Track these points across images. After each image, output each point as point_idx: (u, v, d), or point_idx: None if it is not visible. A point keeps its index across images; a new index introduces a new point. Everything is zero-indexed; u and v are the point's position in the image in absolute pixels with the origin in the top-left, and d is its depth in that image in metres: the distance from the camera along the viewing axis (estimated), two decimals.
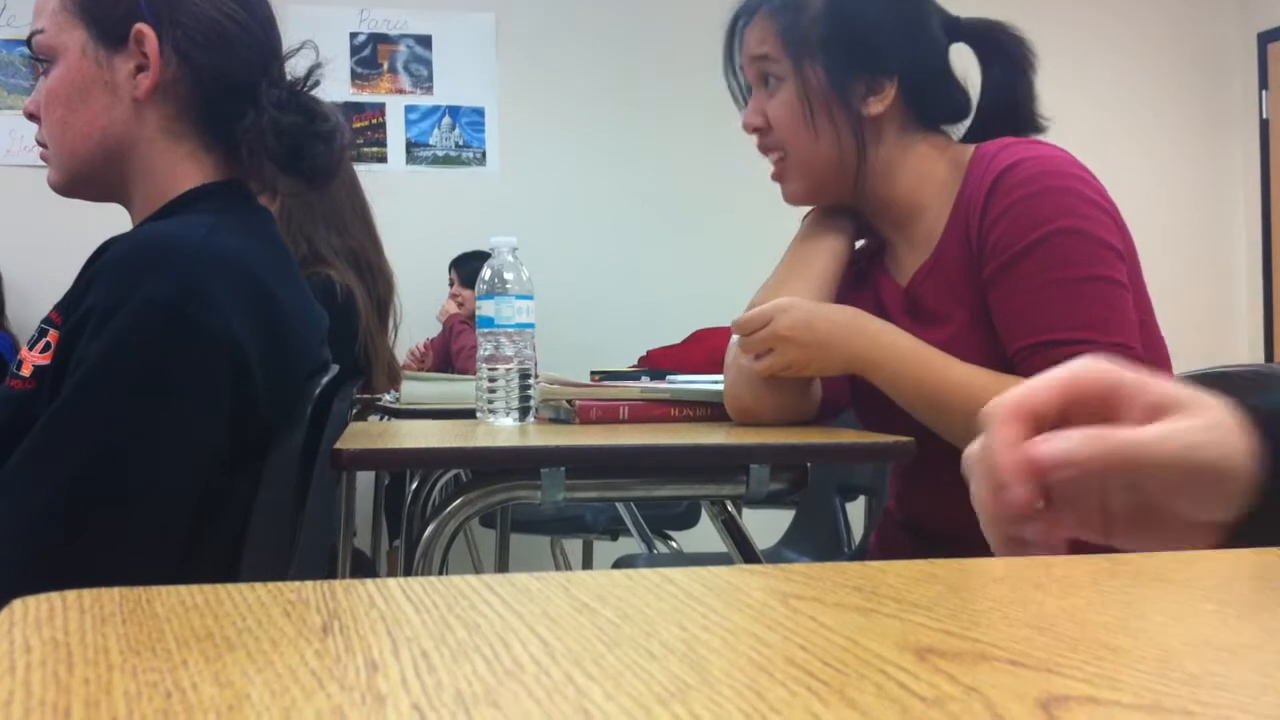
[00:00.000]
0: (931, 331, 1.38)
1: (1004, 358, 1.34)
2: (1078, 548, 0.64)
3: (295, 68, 1.34)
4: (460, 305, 4.26)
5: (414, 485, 3.15)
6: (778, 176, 1.51)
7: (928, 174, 1.47)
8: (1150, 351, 1.33)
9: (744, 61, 1.51)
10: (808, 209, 1.61)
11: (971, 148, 1.46)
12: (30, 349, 1.17)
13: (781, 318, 1.40)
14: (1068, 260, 1.29)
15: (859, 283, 1.55)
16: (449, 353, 4.20)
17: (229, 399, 1.15)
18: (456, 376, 3.19)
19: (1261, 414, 0.66)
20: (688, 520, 3.48)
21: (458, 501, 1.30)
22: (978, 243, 1.35)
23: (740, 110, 1.56)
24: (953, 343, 1.35)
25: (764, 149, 1.51)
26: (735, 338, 1.51)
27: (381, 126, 4.74)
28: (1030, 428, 0.62)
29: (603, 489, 1.37)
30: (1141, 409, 0.65)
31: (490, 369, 1.62)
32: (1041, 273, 1.28)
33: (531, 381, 1.63)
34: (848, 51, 1.44)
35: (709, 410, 1.61)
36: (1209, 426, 0.64)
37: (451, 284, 4.40)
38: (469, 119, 4.79)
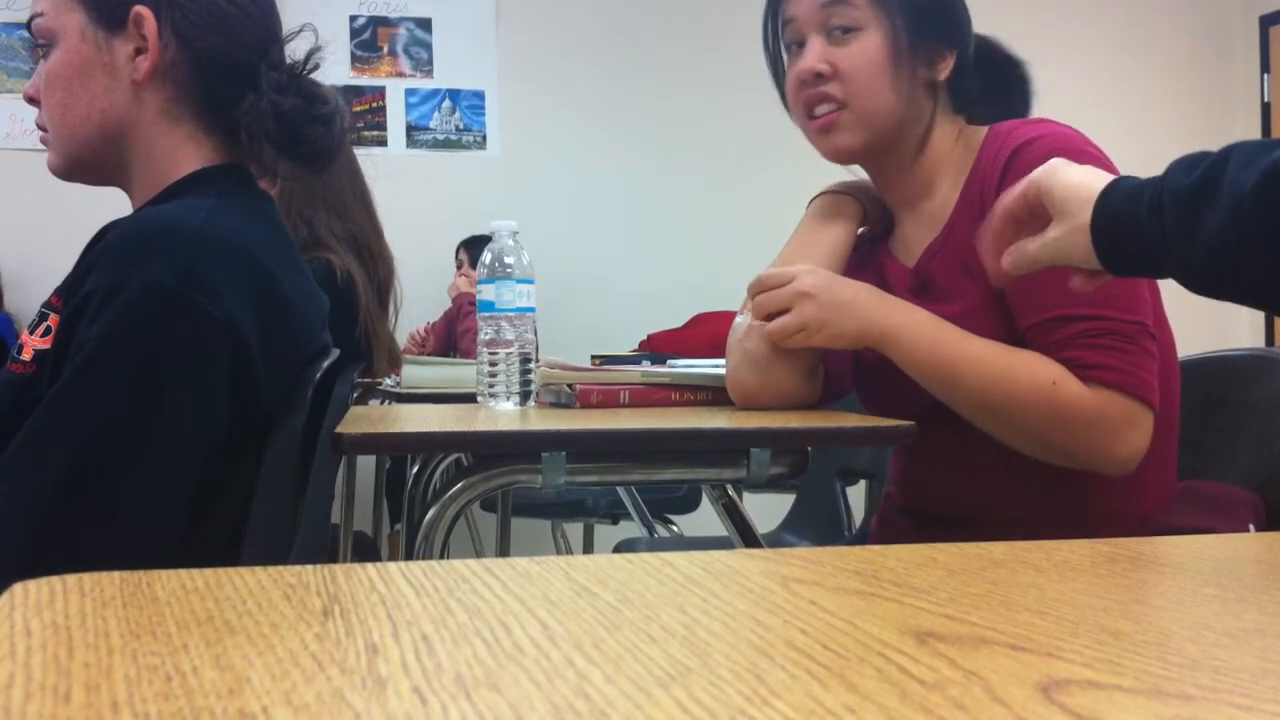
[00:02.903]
0: (941, 307, 1.38)
1: (1014, 333, 1.34)
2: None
3: (295, 51, 1.34)
4: (472, 284, 4.25)
5: (415, 469, 3.15)
6: (827, 127, 1.46)
7: (947, 152, 1.48)
8: (1159, 331, 1.34)
9: (806, 9, 1.46)
10: (803, 195, 1.61)
11: (984, 129, 1.47)
12: (31, 333, 1.16)
13: (805, 275, 1.41)
14: None
15: (862, 267, 1.55)
16: (452, 334, 4.20)
17: (229, 382, 1.15)
18: (458, 361, 3.19)
19: (1096, 222, 1.00)
20: (688, 504, 3.48)
21: (459, 485, 1.30)
22: None
23: (769, 59, 1.53)
24: (963, 318, 1.35)
25: (818, 99, 1.46)
26: (739, 319, 1.51)
27: (381, 110, 4.73)
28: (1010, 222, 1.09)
29: (603, 473, 1.37)
30: (1050, 209, 1.05)
31: (491, 353, 1.62)
32: None
33: (532, 366, 1.63)
34: (927, 13, 1.45)
35: (709, 394, 1.61)
36: (1067, 232, 1.02)
37: (460, 265, 4.39)
38: (469, 102, 4.78)
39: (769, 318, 1.43)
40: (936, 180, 1.48)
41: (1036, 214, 1.07)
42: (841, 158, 1.50)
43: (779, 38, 1.53)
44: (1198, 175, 0.93)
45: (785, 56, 1.52)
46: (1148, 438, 1.29)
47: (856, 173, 1.58)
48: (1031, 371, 1.29)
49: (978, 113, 1.52)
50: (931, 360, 1.34)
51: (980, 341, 1.33)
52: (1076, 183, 1.03)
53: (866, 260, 1.56)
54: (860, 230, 1.57)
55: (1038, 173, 1.06)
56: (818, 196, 1.59)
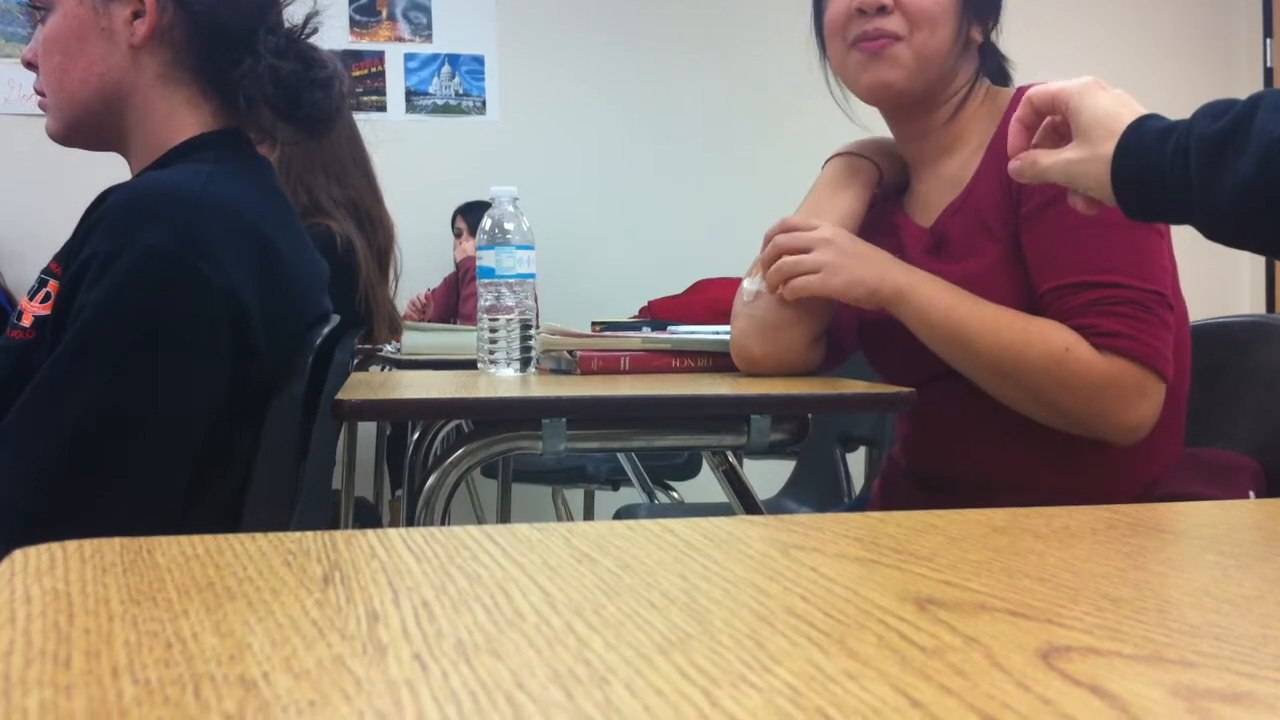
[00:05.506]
0: (957, 266, 1.38)
1: (1029, 296, 1.34)
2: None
3: (293, 15, 1.33)
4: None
5: (415, 436, 3.15)
6: (876, 52, 1.42)
7: (973, 112, 1.48)
8: (1175, 303, 1.33)
9: None
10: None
11: (1010, 91, 1.48)
12: (30, 299, 1.16)
13: (827, 225, 1.42)
14: None
15: (875, 229, 1.54)
16: (452, 300, 4.19)
17: (228, 348, 1.15)
18: (458, 327, 3.18)
19: (1118, 160, 0.98)
20: (689, 471, 3.49)
21: (459, 452, 1.30)
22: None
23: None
24: (979, 277, 1.35)
25: (873, 32, 1.42)
26: (745, 284, 1.50)
27: (380, 75, 4.70)
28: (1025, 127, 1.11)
29: (604, 439, 1.37)
30: (1072, 128, 1.04)
31: (491, 319, 1.61)
32: (1078, 214, 1.25)
33: (532, 332, 1.63)
34: None
35: (710, 361, 1.61)
36: (1084, 159, 1.01)
37: (460, 234, 4.37)
38: (468, 67, 4.76)
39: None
40: (962, 138, 1.47)
41: (1059, 131, 1.08)
42: (882, 94, 1.46)
43: None
44: (1226, 122, 0.92)
45: None
46: (1157, 408, 1.29)
47: (867, 134, 1.57)
48: (1045, 337, 1.29)
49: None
50: (945, 322, 1.33)
51: (994, 306, 1.33)
52: (1105, 112, 1.02)
53: (880, 222, 1.55)
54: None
55: (1070, 88, 1.06)
56: (833, 158, 1.58)
